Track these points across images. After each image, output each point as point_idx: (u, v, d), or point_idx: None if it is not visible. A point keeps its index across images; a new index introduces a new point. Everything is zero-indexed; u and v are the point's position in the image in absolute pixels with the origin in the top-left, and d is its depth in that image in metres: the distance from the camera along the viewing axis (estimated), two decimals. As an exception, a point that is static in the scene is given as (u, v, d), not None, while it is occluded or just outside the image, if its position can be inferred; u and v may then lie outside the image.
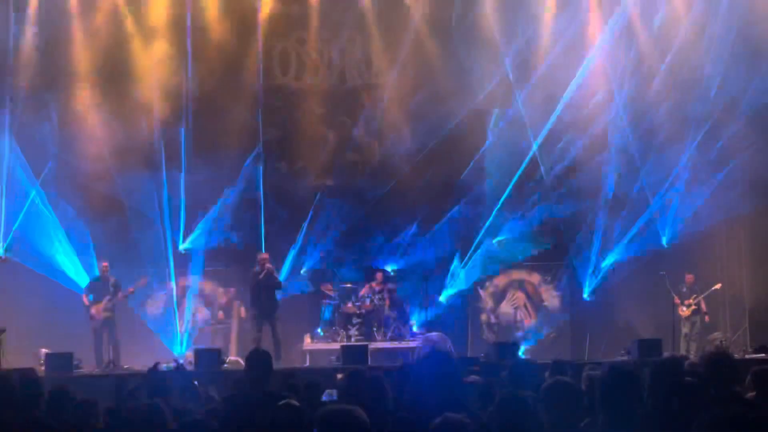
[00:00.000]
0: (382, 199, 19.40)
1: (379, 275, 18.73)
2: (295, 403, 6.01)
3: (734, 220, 18.98)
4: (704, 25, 18.78)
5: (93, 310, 16.79)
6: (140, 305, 18.32)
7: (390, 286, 18.77)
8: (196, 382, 10.08)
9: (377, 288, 18.55)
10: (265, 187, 19.14)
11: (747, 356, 15.81)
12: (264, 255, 17.40)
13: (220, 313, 18.69)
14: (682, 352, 17.38)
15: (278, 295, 17.26)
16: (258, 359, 6.84)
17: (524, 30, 19.17)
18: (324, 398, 8.39)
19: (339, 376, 9.13)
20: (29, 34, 18.22)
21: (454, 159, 19.45)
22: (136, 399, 7.42)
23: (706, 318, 18.22)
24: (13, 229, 18.05)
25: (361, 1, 19.23)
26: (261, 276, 16.92)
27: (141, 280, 17.43)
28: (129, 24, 18.61)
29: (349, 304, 18.32)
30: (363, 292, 18.49)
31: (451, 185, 19.46)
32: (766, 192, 18.15)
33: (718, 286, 18.19)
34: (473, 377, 7.75)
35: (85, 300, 16.90)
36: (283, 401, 5.99)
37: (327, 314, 18.45)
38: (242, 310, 18.41)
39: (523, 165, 19.21)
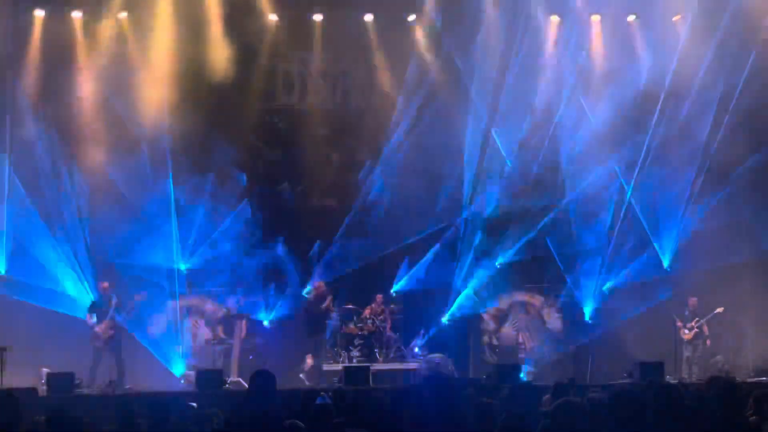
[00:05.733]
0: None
1: (378, 297, 18.71)
2: (300, 424, 6.00)
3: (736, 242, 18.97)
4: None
5: (98, 329, 16.77)
6: (141, 325, 18.27)
7: (392, 307, 18.75)
8: (194, 405, 10.03)
9: (378, 309, 18.53)
10: (268, 208, 19.15)
11: (749, 380, 15.76)
12: (320, 284, 17.98)
13: (220, 329, 18.59)
14: (684, 375, 17.35)
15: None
16: (262, 380, 6.69)
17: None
18: (318, 401, 8.42)
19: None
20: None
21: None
22: (139, 423, 7.39)
23: (707, 342, 18.19)
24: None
25: (364, 22, 19.28)
26: (320, 304, 17.72)
27: (139, 295, 17.40)
28: (131, 43, 18.57)
29: (351, 325, 18.31)
30: (365, 313, 18.46)
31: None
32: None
33: (720, 309, 18.14)
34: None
35: (89, 320, 16.87)
36: (288, 422, 5.99)
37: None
38: (244, 329, 18.36)
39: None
